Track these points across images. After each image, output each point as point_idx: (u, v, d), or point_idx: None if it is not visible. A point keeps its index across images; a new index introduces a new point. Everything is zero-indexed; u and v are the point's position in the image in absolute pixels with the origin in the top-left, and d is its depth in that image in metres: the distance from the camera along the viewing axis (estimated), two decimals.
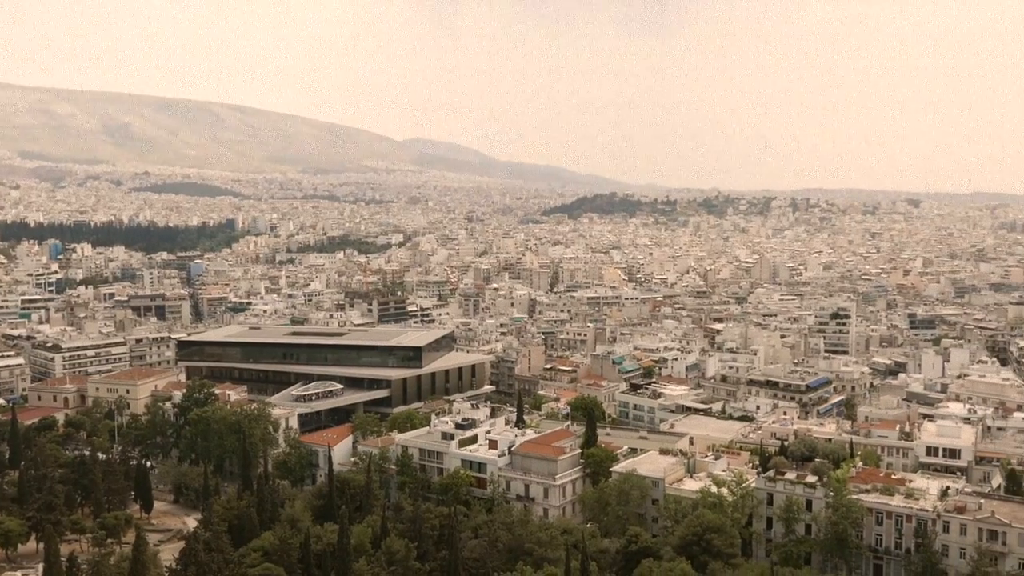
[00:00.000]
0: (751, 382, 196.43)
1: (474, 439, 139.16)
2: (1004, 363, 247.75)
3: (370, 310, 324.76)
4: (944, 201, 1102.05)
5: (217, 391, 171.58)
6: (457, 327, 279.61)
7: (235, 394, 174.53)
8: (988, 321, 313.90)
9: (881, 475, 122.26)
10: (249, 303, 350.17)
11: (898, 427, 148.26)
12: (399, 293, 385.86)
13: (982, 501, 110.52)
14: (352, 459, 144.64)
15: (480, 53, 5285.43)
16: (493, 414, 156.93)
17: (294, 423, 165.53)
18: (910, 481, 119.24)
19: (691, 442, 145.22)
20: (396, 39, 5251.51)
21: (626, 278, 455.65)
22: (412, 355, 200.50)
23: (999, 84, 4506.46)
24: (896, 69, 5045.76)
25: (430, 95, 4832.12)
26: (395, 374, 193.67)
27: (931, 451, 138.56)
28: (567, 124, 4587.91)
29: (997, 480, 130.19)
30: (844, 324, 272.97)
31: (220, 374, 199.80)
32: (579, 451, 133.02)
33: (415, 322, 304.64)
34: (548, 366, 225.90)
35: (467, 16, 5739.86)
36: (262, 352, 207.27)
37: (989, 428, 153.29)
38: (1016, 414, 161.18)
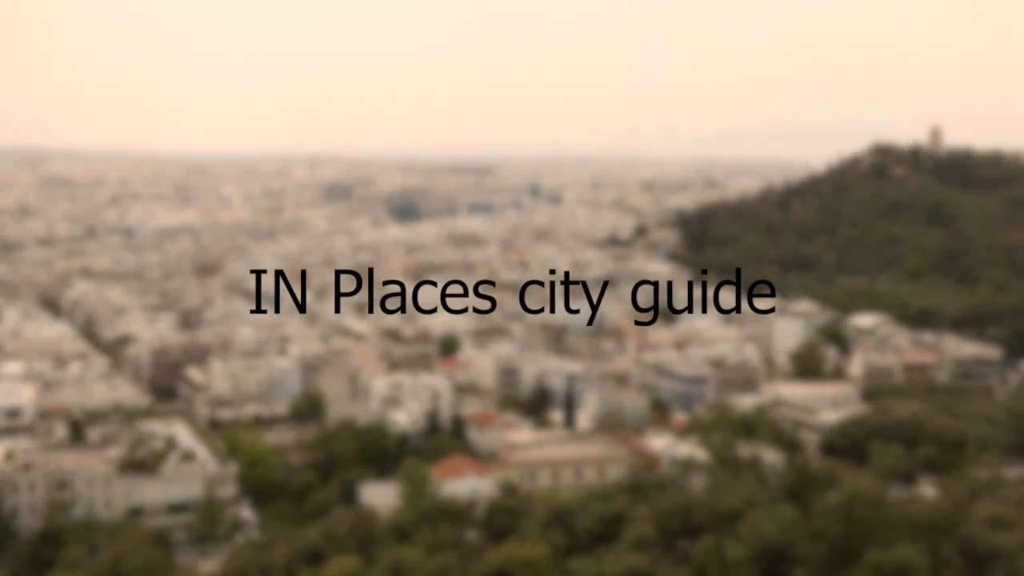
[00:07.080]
0: None
1: None
2: (58, 315, 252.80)
3: None
4: None
5: None
6: None
7: None
8: (38, 276, 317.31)
9: None
10: None
11: None
12: None
13: (49, 455, 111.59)
14: None
15: None
16: None
17: None
18: None
19: None
20: None
21: None
22: None
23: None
24: None
25: None
26: None
27: None
28: None
29: (62, 431, 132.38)
30: None
31: None
32: None
33: None
34: None
35: None
36: None
37: (49, 382, 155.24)
38: (73, 364, 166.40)
